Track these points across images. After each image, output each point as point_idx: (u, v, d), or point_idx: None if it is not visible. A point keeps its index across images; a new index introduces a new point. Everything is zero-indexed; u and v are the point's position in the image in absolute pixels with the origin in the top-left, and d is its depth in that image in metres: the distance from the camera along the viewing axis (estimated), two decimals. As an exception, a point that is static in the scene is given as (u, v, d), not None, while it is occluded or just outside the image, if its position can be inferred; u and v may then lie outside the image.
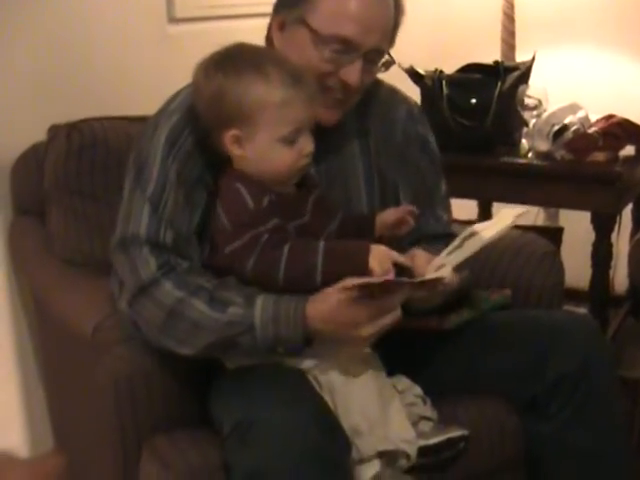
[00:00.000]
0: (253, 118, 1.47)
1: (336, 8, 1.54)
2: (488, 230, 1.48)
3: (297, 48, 1.56)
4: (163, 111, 1.59)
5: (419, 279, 1.45)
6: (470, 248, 1.47)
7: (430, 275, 1.46)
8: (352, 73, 1.56)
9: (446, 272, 1.46)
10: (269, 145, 1.49)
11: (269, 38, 1.64)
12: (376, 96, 1.74)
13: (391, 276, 1.45)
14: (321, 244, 1.48)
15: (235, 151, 1.50)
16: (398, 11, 1.61)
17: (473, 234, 1.48)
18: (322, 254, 1.46)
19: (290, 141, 1.48)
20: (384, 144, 1.74)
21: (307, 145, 1.50)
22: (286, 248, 1.46)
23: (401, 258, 1.48)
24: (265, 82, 1.47)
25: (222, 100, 1.47)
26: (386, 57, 1.61)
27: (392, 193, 1.75)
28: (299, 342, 1.47)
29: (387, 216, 1.60)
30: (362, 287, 1.41)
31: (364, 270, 1.44)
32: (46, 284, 1.93)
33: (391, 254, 1.47)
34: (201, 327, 1.48)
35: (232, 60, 1.50)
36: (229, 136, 1.49)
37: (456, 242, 1.50)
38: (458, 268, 1.50)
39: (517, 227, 1.84)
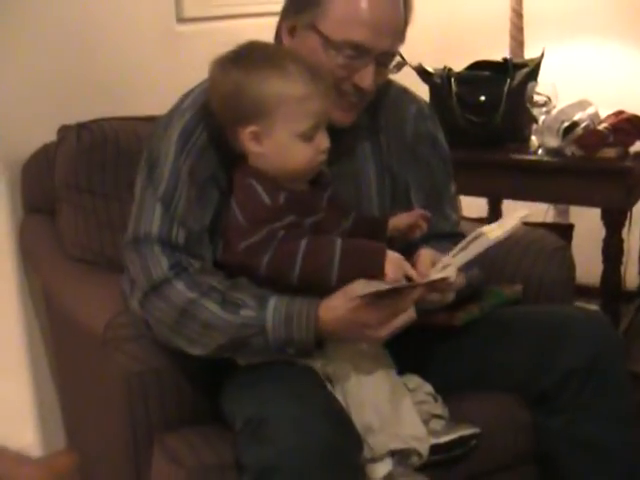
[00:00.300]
0: (272, 113, 1.46)
1: (347, 13, 1.53)
2: (494, 232, 1.48)
3: (308, 53, 1.54)
4: (176, 109, 1.58)
5: (424, 281, 1.45)
6: (475, 249, 1.47)
7: (434, 276, 1.46)
8: (366, 78, 1.55)
9: (451, 272, 1.45)
10: (288, 141, 1.47)
11: (278, 39, 1.63)
12: (387, 95, 1.73)
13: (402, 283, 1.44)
14: (338, 241, 1.47)
15: (253, 148, 1.49)
16: (407, 9, 1.60)
17: (479, 236, 1.48)
18: (339, 251, 1.45)
19: (308, 137, 1.47)
20: (395, 143, 1.73)
21: (324, 141, 1.49)
22: (303, 242, 1.45)
23: (412, 271, 1.46)
24: (284, 77, 1.46)
25: (240, 96, 1.46)
26: (398, 59, 1.60)
27: (403, 193, 1.74)
28: (311, 344, 1.47)
29: (400, 220, 1.59)
30: (370, 295, 1.41)
31: (379, 272, 1.43)
32: (57, 282, 1.93)
33: (404, 265, 1.46)
34: (213, 328, 1.48)
35: (249, 56, 1.49)
36: (247, 133, 1.48)
37: (462, 244, 1.49)
38: (463, 268, 1.50)
39: (527, 224, 1.83)
